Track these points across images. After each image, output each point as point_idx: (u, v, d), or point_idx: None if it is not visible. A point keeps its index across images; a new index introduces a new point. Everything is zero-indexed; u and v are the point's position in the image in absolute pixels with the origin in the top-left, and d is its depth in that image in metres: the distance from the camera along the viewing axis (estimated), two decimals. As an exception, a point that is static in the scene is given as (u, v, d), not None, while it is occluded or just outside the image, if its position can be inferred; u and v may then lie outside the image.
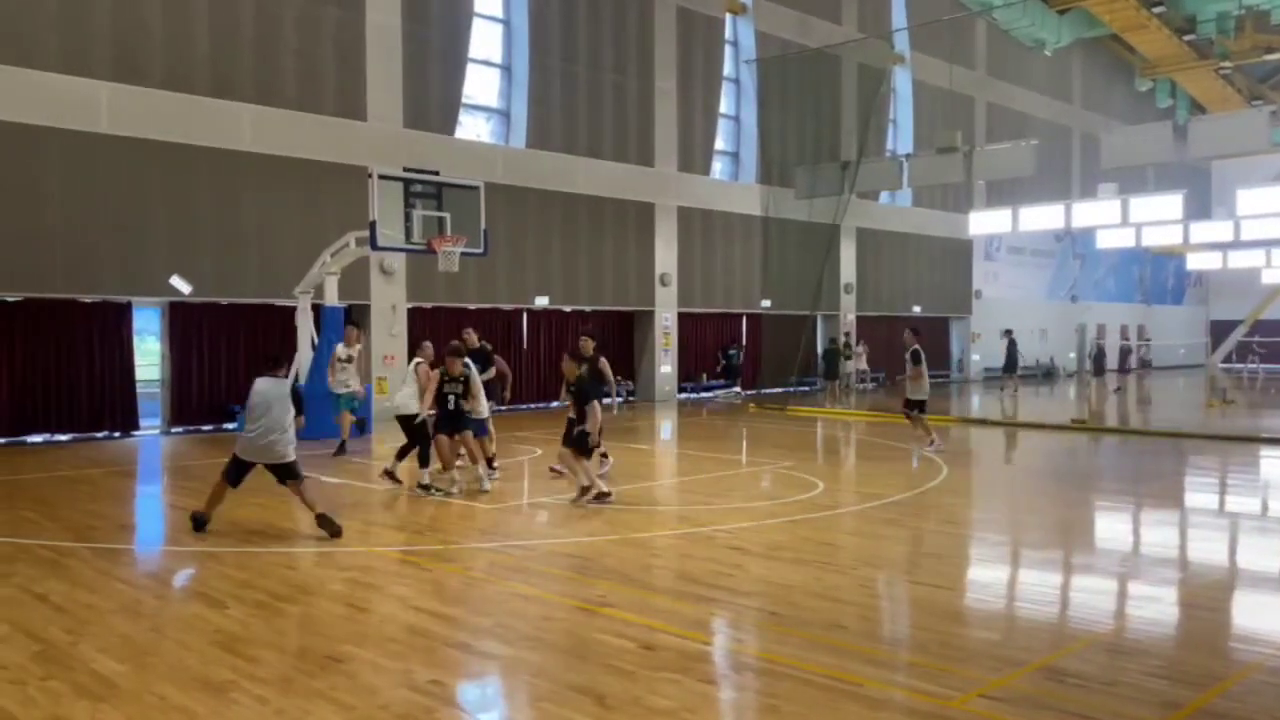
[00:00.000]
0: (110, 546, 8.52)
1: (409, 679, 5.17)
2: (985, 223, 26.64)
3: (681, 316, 25.45)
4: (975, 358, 34.95)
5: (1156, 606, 6.89)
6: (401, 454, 11.48)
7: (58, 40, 15.37)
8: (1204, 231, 31.06)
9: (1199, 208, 32.36)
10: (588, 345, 12.07)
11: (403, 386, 11.52)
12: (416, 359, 11.50)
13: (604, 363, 12.04)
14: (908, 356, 14.99)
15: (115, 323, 16.91)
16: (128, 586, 7.15)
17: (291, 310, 16.68)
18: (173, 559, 8.31)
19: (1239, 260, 37.29)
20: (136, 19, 16.13)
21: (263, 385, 8.80)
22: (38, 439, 16.11)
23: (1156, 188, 28.87)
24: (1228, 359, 41.26)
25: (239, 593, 6.85)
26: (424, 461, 11.04)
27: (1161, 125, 21.73)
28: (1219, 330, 44.28)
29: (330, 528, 8.55)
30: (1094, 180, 29.89)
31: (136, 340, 17.58)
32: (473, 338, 13.08)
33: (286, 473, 8.79)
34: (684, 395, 25.71)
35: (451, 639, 5.91)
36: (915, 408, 14.97)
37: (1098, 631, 6.18)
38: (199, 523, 8.79)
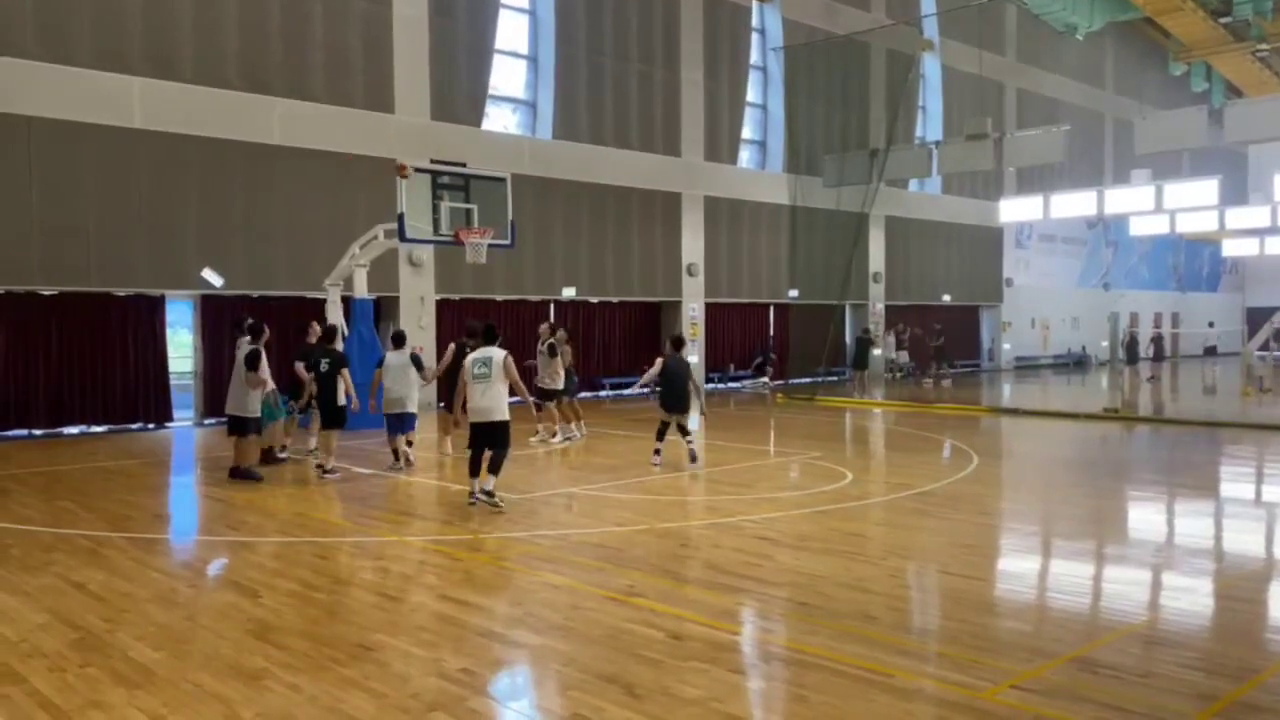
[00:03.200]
0: (146, 536, 8.65)
1: (440, 667, 5.21)
2: (1016, 210, 26.36)
3: (709, 307, 25.40)
4: (1006, 346, 34.62)
5: (1192, 598, 6.81)
6: (495, 466, 9.54)
7: (91, 37, 15.56)
8: (1240, 217, 30.54)
9: (1235, 193, 31.79)
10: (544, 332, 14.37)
11: (494, 384, 9.44)
12: (503, 351, 9.61)
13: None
14: (544, 349, 14.55)
15: (149, 316, 17.11)
16: (163, 575, 7.26)
17: (321, 302, 16.77)
18: (207, 549, 8.42)
19: (1276, 246, 36.65)
20: (168, 15, 16.29)
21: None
22: (74, 430, 16.37)
23: (1191, 173, 28.42)
24: (1264, 346, 40.55)
25: (272, 582, 6.94)
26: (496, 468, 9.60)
27: (1197, 110, 21.35)
28: (1255, 317, 43.51)
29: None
30: (1127, 166, 29.47)
31: (169, 333, 17.79)
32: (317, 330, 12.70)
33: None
34: (711, 385, 25.66)
35: (482, 628, 5.95)
36: (549, 397, 14.57)
37: (1132, 623, 6.11)
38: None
